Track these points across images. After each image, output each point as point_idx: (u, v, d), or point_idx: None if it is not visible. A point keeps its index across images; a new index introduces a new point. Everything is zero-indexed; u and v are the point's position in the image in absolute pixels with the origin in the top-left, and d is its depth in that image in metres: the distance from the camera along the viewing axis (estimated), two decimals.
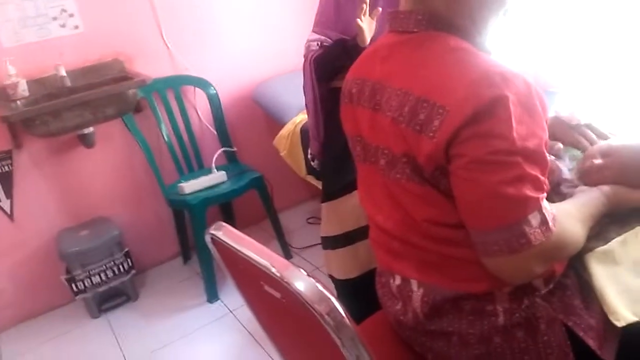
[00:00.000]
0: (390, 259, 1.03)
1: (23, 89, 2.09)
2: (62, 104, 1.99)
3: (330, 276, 1.86)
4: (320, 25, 1.62)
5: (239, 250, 0.85)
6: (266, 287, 0.85)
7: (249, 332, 2.03)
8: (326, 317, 0.71)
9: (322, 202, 1.83)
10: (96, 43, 2.26)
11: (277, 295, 0.83)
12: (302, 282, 0.74)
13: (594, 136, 1.16)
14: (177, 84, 2.43)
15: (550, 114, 1.18)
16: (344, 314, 0.72)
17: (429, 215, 0.91)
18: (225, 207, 2.66)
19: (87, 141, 2.25)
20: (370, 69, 0.98)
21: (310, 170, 2.22)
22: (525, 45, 2.06)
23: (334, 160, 1.67)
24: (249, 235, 2.73)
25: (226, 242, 0.88)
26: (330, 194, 1.79)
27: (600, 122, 1.21)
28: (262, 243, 2.59)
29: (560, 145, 1.12)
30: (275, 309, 0.89)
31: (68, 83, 2.16)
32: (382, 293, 1.10)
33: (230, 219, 2.70)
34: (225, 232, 0.89)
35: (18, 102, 2.06)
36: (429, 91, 0.83)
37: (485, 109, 0.77)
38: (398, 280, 1.01)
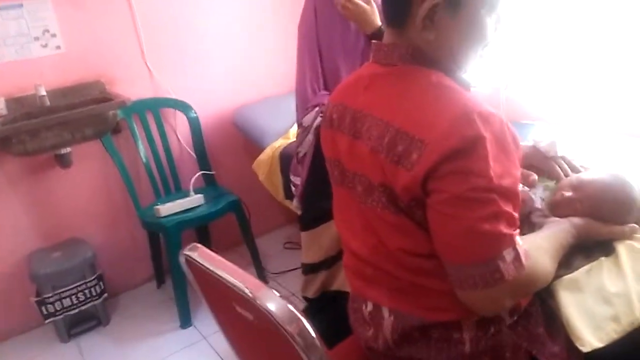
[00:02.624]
0: (362, 285, 1.04)
1: (1, 108, 2.07)
2: (41, 123, 1.97)
3: (306, 298, 1.87)
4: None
5: (212, 271, 0.85)
6: (238, 309, 0.85)
7: (221, 359, 2.00)
8: (296, 337, 0.72)
9: (302, 230, 1.84)
10: (78, 64, 2.27)
11: (250, 317, 0.83)
12: (274, 303, 0.74)
13: (568, 168, 1.19)
14: (157, 106, 2.44)
15: (527, 143, 1.23)
16: (314, 335, 0.73)
17: (402, 245, 0.92)
18: (201, 231, 2.64)
19: (63, 161, 2.23)
20: (352, 96, 1.00)
21: (288, 195, 2.23)
22: (501, 77, 2.13)
23: (315, 187, 1.69)
24: (224, 259, 2.68)
25: (200, 263, 0.89)
26: (309, 222, 1.81)
27: (574, 155, 1.25)
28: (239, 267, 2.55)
29: (535, 177, 1.15)
30: (247, 331, 0.90)
31: (47, 103, 2.15)
32: (354, 319, 1.10)
33: (206, 243, 2.68)
34: (200, 254, 0.90)
35: None
36: (409, 124, 0.85)
37: (465, 147, 0.80)
38: (370, 307, 1.02)
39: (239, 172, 2.65)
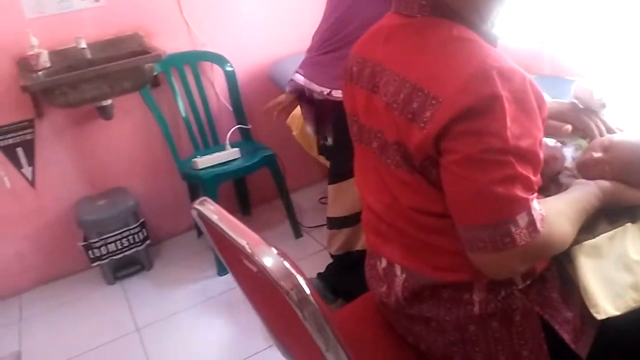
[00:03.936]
0: (377, 241, 1.04)
1: (45, 60, 2.14)
2: (80, 75, 2.04)
3: (332, 255, 1.89)
4: None
5: (217, 225, 0.87)
6: (245, 261, 0.87)
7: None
8: (290, 292, 0.73)
9: (329, 183, 1.85)
10: (116, 17, 2.30)
11: (254, 269, 0.85)
12: (269, 259, 0.75)
13: (603, 128, 1.12)
14: (194, 59, 2.46)
15: (568, 99, 1.16)
16: (308, 291, 0.74)
17: (415, 203, 0.91)
18: (239, 184, 2.70)
19: (105, 113, 2.31)
20: (372, 49, 0.97)
21: (322, 151, 2.22)
22: (542, 33, 2.00)
23: (343, 141, 1.67)
24: (261, 213, 2.80)
25: (207, 217, 0.90)
26: (337, 176, 1.81)
27: (612, 115, 1.17)
28: (274, 221, 2.65)
29: (569, 126, 1.09)
30: (254, 282, 0.91)
31: (88, 55, 2.21)
32: (369, 275, 1.11)
33: (244, 196, 2.74)
34: (207, 208, 0.91)
35: (40, 72, 2.12)
36: (424, 80, 0.82)
37: (480, 106, 0.76)
38: (384, 263, 1.02)
39: (275, 127, 2.63)
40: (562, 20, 1.96)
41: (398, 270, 0.98)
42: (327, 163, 2.20)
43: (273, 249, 0.77)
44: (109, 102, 2.26)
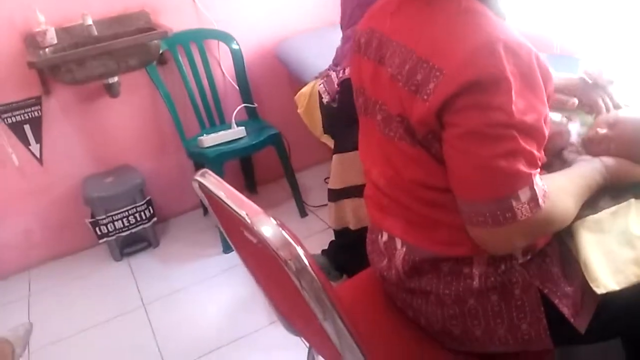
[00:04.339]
0: (379, 215, 1.05)
1: (51, 37, 2.14)
2: (86, 52, 2.04)
3: (335, 231, 1.90)
4: None
5: (218, 197, 0.87)
6: (245, 233, 0.87)
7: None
8: (289, 262, 0.73)
9: (334, 153, 1.85)
10: None
11: (254, 240, 0.85)
12: (268, 229, 0.75)
13: (610, 103, 1.11)
14: (200, 37, 2.44)
15: (576, 75, 1.15)
16: (306, 261, 0.74)
17: (417, 177, 0.91)
18: (245, 163, 2.70)
19: (112, 91, 2.31)
20: (380, 20, 0.96)
21: (327, 130, 2.22)
22: (551, 12, 1.97)
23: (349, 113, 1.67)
24: (267, 191, 2.80)
25: (208, 189, 0.91)
26: (343, 147, 1.81)
27: (619, 91, 1.16)
28: (279, 200, 2.65)
29: (575, 100, 1.08)
30: (254, 253, 0.92)
31: (94, 32, 2.21)
32: (370, 249, 1.12)
33: (250, 175, 2.75)
34: (207, 179, 0.92)
35: (47, 49, 2.12)
36: (430, 52, 0.82)
37: (484, 80, 0.76)
38: (385, 237, 1.03)
39: (282, 106, 2.65)
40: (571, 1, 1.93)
41: (399, 243, 0.98)
42: (331, 142, 2.20)
43: (272, 219, 0.77)
44: (115, 79, 2.26)
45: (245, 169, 2.73)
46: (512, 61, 0.76)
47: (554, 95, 1.06)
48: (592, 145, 1.02)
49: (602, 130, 1.01)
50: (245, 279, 2.13)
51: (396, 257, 0.98)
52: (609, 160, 0.96)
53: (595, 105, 1.09)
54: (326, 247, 2.01)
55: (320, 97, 2.06)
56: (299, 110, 2.39)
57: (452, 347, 0.98)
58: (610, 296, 0.85)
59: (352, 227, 1.78)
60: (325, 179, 2.76)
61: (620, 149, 0.98)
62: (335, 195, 1.84)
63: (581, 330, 0.87)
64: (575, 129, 1.09)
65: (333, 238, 1.97)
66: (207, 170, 0.95)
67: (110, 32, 2.23)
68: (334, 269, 1.94)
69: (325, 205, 2.49)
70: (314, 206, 2.57)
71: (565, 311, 0.87)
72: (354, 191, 1.72)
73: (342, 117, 1.85)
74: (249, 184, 2.76)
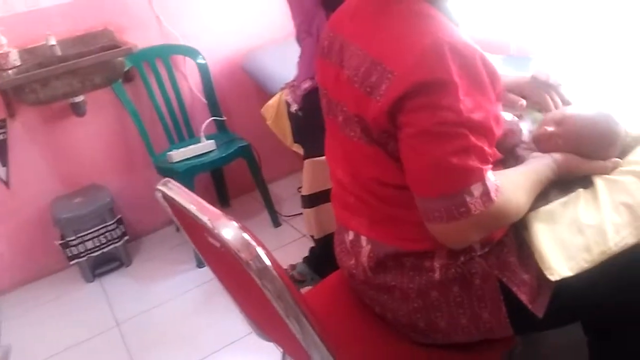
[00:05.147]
0: (345, 215, 1.07)
1: (14, 59, 2.12)
2: (49, 72, 2.02)
3: (314, 239, 1.91)
4: None
5: (180, 204, 0.88)
6: (209, 239, 0.88)
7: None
8: (250, 263, 0.74)
9: (304, 159, 1.86)
10: (85, 13, 2.28)
11: (218, 244, 0.86)
12: (230, 231, 0.77)
13: (559, 101, 1.16)
14: (166, 53, 2.45)
15: (527, 74, 1.19)
16: (268, 262, 0.75)
17: (376, 175, 0.94)
18: (216, 177, 2.70)
19: (78, 110, 2.29)
20: (341, 24, 1.00)
21: (296, 139, 2.24)
22: (504, 13, 2.04)
23: (314, 122, 1.70)
24: (240, 204, 2.78)
25: (171, 197, 0.91)
26: (313, 151, 1.82)
27: (569, 89, 1.21)
28: (253, 211, 2.64)
29: (524, 102, 1.12)
30: (219, 259, 0.93)
31: (58, 52, 2.20)
32: (338, 250, 1.14)
33: (221, 189, 2.75)
34: (170, 188, 0.93)
35: (10, 71, 2.10)
36: (383, 54, 0.85)
37: (432, 81, 0.78)
38: (351, 236, 1.05)
39: (251, 118, 2.66)
40: (526, 3, 2.00)
41: (364, 241, 1.00)
42: (302, 151, 2.22)
43: (233, 222, 0.78)
44: (80, 98, 2.25)
45: (216, 183, 2.73)
46: (457, 62, 0.79)
47: (505, 95, 1.10)
48: (541, 143, 1.06)
49: (550, 128, 1.04)
50: (220, 292, 2.12)
51: (362, 255, 1.00)
52: (558, 156, 1.00)
53: (543, 103, 1.14)
54: (305, 255, 2.01)
55: (288, 107, 2.08)
56: (268, 122, 2.41)
57: (419, 340, 1.00)
58: (564, 282, 0.88)
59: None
60: (298, 188, 2.77)
61: (568, 144, 1.02)
62: (309, 202, 1.85)
63: (539, 314, 0.90)
64: (526, 127, 1.12)
65: (310, 245, 1.98)
66: (169, 179, 0.95)
67: (75, 52, 2.23)
68: (318, 275, 1.94)
69: (300, 214, 2.52)
70: (288, 216, 2.58)
71: (524, 298, 0.90)
72: (327, 196, 1.74)
73: (308, 125, 1.88)
74: (222, 198, 2.76)
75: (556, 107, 1.14)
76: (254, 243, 0.76)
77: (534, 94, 1.16)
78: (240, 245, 0.75)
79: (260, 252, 0.75)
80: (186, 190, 0.91)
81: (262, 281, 0.75)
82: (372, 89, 0.85)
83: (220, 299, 2.08)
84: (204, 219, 0.80)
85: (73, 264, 2.35)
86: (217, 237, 0.78)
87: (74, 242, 2.29)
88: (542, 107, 1.15)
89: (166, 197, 0.96)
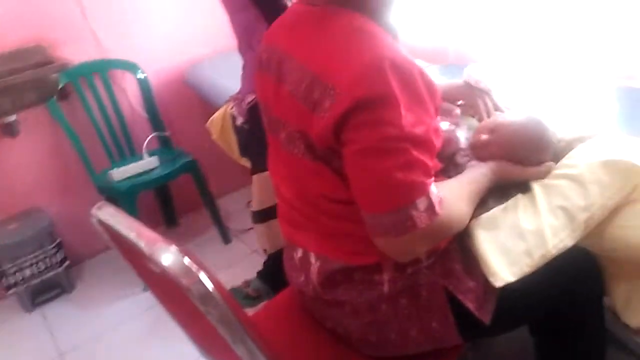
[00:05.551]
0: (292, 231, 1.05)
1: None
2: None
3: (266, 253, 1.88)
4: None
5: (115, 229, 0.84)
6: (147, 263, 0.84)
7: None
8: (191, 289, 0.71)
9: (252, 174, 1.83)
10: (16, 28, 2.16)
11: (157, 270, 0.82)
12: (169, 256, 0.73)
13: (491, 107, 1.18)
14: (103, 68, 2.36)
15: (459, 80, 1.21)
16: (210, 287, 0.72)
17: (322, 191, 0.92)
18: (161, 194, 2.62)
19: (10, 130, 2.17)
20: (279, 38, 0.98)
21: (243, 153, 2.20)
22: (446, 19, 2.09)
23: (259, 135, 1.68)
24: (188, 221, 2.70)
25: (106, 222, 0.87)
26: (260, 166, 1.80)
27: (503, 95, 1.24)
28: (202, 228, 2.56)
29: (458, 111, 1.14)
30: (160, 283, 0.89)
31: None
32: (288, 266, 1.12)
33: (168, 207, 2.67)
34: (104, 212, 0.88)
35: None
36: (324, 70, 0.84)
37: (374, 97, 0.78)
38: (300, 253, 1.03)
39: (196, 132, 2.59)
40: (463, 12, 2.05)
41: (313, 258, 0.99)
42: (249, 164, 2.19)
43: (172, 246, 0.75)
44: (12, 118, 2.13)
45: (162, 201, 2.64)
46: (398, 78, 0.79)
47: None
48: (477, 151, 1.08)
49: (484, 136, 1.07)
50: (167, 316, 2.05)
51: (311, 272, 0.99)
52: (493, 165, 1.03)
53: (476, 108, 1.16)
54: (259, 269, 1.98)
55: (234, 120, 2.05)
56: (213, 137, 2.36)
57: (371, 354, 0.99)
58: (508, 287, 0.89)
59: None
60: (247, 202, 2.73)
61: (502, 152, 1.04)
62: (260, 217, 1.82)
63: (486, 321, 0.91)
64: (463, 135, 1.14)
65: (261, 261, 1.95)
66: (104, 202, 0.91)
67: (5, 69, 2.10)
68: (274, 290, 1.91)
69: (251, 228, 2.48)
70: (238, 231, 2.53)
71: (470, 305, 0.91)
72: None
73: (255, 138, 1.85)
74: (168, 216, 2.67)
75: (488, 111, 1.17)
76: (195, 268, 0.72)
77: (467, 99, 1.19)
78: (181, 270, 0.72)
79: (203, 276, 0.72)
80: (122, 213, 0.86)
81: (206, 307, 0.72)
82: (315, 105, 0.84)
83: (169, 323, 1.99)
84: (141, 244, 0.76)
85: (11, 294, 2.21)
86: (156, 263, 0.74)
87: (11, 271, 2.16)
88: (475, 112, 1.18)
89: (101, 222, 0.91)
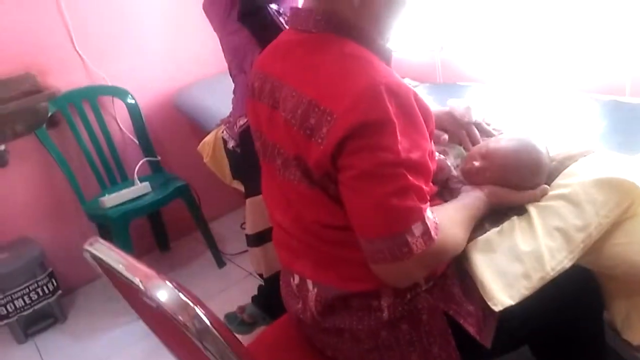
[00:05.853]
0: (289, 258, 1.04)
1: None
2: None
3: (262, 277, 1.86)
4: None
5: (109, 265, 0.82)
6: (143, 298, 0.83)
7: None
8: (188, 325, 0.70)
9: (246, 198, 1.82)
10: (4, 57, 2.16)
11: (153, 305, 0.81)
12: (164, 292, 0.72)
13: (478, 136, 1.17)
14: (93, 94, 2.36)
15: (444, 108, 1.21)
16: (207, 322, 0.71)
17: (318, 217, 0.92)
18: (154, 220, 2.60)
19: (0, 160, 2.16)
20: (272, 64, 0.97)
21: (235, 176, 2.20)
22: (436, 39, 2.11)
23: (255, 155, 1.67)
24: (181, 246, 2.68)
25: (99, 257, 0.85)
26: (254, 190, 1.79)
27: (493, 119, 1.23)
28: (195, 253, 2.54)
29: (446, 136, 1.13)
30: (156, 318, 0.87)
31: None
32: (285, 292, 1.10)
33: (160, 232, 2.64)
34: (97, 247, 0.87)
35: None
36: (320, 96, 0.83)
37: (370, 122, 0.78)
38: (297, 280, 1.02)
39: (187, 157, 2.59)
40: (453, 30, 2.07)
41: (310, 285, 0.98)
42: (242, 188, 2.18)
43: (167, 282, 0.74)
44: (1, 147, 2.12)
45: (154, 227, 2.62)
46: (394, 102, 0.79)
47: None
48: (470, 177, 1.07)
49: (477, 162, 1.06)
50: (163, 345, 2.02)
51: (309, 299, 0.98)
52: (487, 190, 1.02)
53: (462, 139, 1.16)
54: (253, 294, 1.95)
55: (225, 143, 2.05)
56: (205, 160, 2.36)
57: None
58: (507, 309, 0.89)
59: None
60: (241, 224, 2.72)
61: (495, 176, 1.04)
62: (255, 240, 1.80)
63: (487, 345, 0.90)
64: (452, 162, 1.13)
65: (258, 283, 1.93)
66: (96, 238, 0.89)
67: None
68: (269, 315, 1.89)
69: (245, 251, 2.46)
70: (232, 254, 2.51)
71: (471, 329, 0.90)
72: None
73: (247, 162, 1.84)
74: (161, 242, 2.65)
75: (474, 142, 1.16)
76: (192, 303, 0.71)
77: (455, 129, 1.18)
78: (177, 307, 0.70)
79: (199, 312, 0.71)
80: (115, 249, 0.85)
81: (203, 343, 0.70)
82: (312, 132, 0.84)
83: (164, 351, 1.97)
84: (136, 280, 0.75)
85: (2, 325, 2.17)
86: (151, 299, 0.73)
87: (2, 302, 2.12)
88: (460, 142, 1.17)
89: (95, 258, 0.90)
